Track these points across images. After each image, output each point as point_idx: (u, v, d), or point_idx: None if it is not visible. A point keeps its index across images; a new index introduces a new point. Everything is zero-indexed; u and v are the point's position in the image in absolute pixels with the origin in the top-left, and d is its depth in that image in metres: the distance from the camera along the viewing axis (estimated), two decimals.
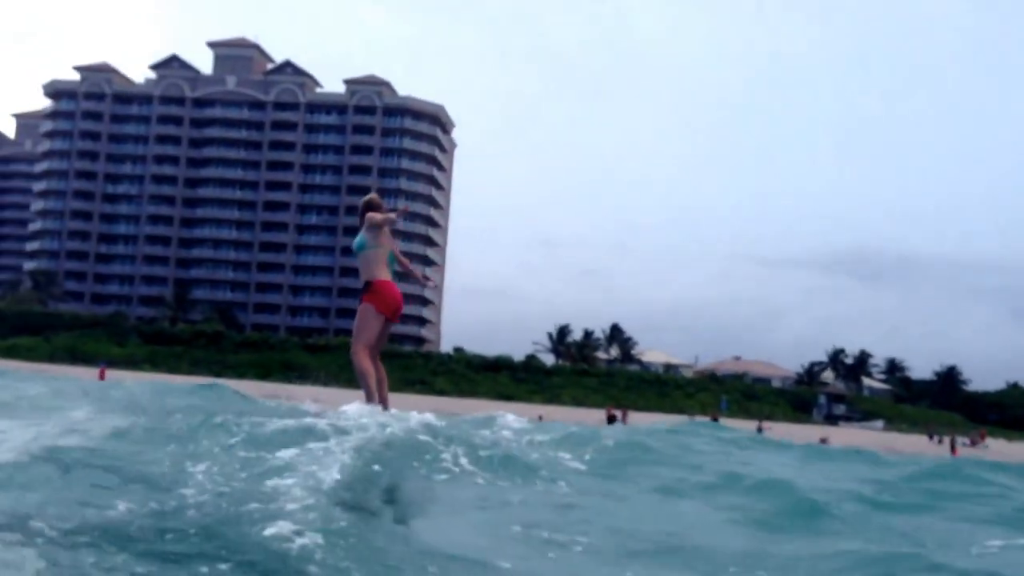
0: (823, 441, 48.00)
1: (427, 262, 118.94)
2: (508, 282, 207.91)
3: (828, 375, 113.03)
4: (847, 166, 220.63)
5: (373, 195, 9.77)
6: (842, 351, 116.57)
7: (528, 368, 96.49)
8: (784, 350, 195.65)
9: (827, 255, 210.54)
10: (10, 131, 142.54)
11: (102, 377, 46.74)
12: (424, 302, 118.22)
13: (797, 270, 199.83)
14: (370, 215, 9.21)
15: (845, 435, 59.21)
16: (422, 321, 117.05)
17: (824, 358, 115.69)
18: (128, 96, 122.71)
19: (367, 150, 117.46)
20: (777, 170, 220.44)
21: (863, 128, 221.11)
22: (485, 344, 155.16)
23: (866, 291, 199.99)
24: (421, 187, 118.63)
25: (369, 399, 8.90)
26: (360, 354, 9.08)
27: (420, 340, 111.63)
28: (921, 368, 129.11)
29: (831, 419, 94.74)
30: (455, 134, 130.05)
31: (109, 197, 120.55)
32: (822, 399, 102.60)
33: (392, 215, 9.35)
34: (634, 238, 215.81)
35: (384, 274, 9.22)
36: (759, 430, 48.65)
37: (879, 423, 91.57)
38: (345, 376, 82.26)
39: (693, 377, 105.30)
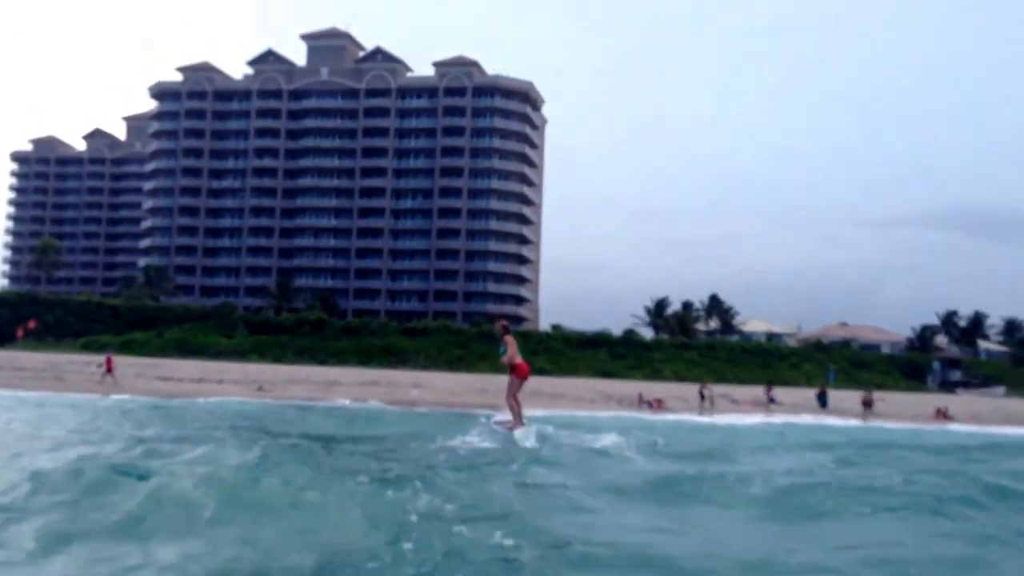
0: (941, 412, 45.98)
1: (522, 240, 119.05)
2: (604, 256, 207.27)
3: (941, 339, 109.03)
4: (950, 121, 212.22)
5: (504, 322, 17.54)
6: (955, 313, 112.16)
7: (627, 343, 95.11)
8: (892, 314, 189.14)
9: (933, 213, 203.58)
10: (122, 134, 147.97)
11: (109, 369, 39.04)
12: (521, 280, 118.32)
13: (902, 229, 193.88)
14: (507, 339, 16.46)
15: (964, 404, 56.63)
16: (519, 300, 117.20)
17: (936, 321, 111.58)
18: (228, 93, 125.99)
19: (459, 131, 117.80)
20: (875, 129, 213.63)
21: (960, 82, 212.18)
22: (583, 319, 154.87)
23: (978, 248, 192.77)
24: (513, 166, 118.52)
25: (516, 422, 16.70)
26: (510, 399, 16.86)
27: (518, 319, 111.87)
28: None
29: (947, 386, 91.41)
30: (545, 110, 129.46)
31: (214, 192, 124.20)
32: (936, 365, 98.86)
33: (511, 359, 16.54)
34: (730, 206, 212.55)
35: (519, 359, 16.59)
36: (865, 404, 46.85)
37: (1000, 389, 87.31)
38: (444, 358, 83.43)
39: (797, 346, 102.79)
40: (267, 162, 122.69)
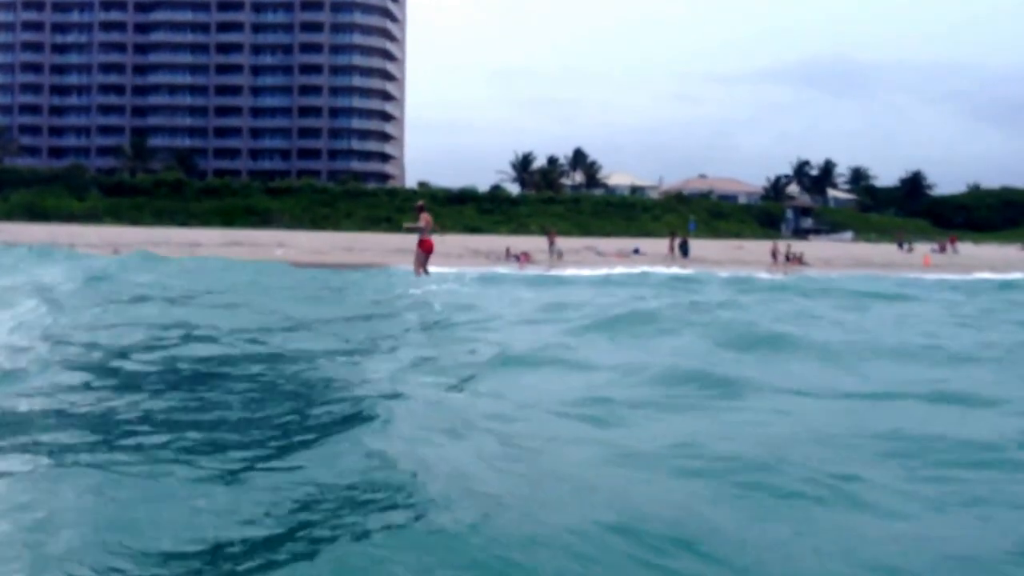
0: (796, 258, 48.11)
1: (386, 97, 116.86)
2: (468, 114, 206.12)
3: (794, 188, 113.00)
4: None
5: (422, 202, 22.73)
6: (807, 163, 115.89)
7: (494, 199, 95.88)
8: (749, 166, 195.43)
9: (786, 68, 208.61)
10: None
11: None
12: (386, 138, 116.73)
13: (757, 84, 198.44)
14: (423, 216, 21.00)
15: (816, 249, 59.39)
16: (385, 157, 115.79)
17: (789, 171, 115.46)
18: None
19: None
20: None
21: None
22: (450, 177, 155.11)
23: (827, 101, 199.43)
24: (375, 20, 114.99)
25: (416, 275, 20.39)
26: (417, 266, 21.02)
27: (384, 176, 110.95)
28: (886, 176, 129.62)
29: (800, 233, 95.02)
30: None
31: (58, 47, 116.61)
32: (789, 213, 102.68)
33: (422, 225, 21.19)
34: (593, 64, 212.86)
35: (427, 236, 20.84)
36: (796, 259, 48.16)
37: (848, 234, 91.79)
38: (308, 217, 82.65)
39: (659, 199, 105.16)
40: (115, 16, 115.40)
